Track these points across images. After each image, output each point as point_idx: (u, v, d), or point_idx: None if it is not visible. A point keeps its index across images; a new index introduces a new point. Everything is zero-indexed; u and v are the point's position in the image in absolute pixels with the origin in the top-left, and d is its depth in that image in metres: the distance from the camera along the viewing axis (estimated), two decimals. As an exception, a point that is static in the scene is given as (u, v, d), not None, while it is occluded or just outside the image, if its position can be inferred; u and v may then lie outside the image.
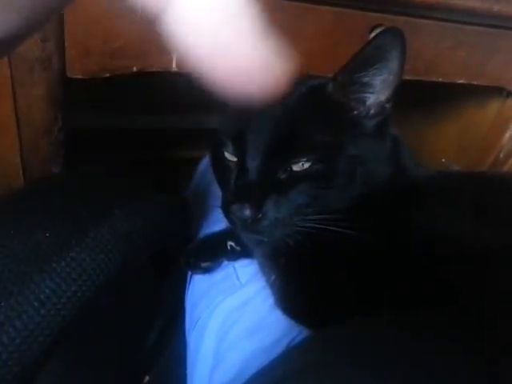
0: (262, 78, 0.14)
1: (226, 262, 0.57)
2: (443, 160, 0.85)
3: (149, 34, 0.46)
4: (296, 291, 0.45)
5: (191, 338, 0.54)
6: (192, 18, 0.12)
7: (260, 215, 0.39)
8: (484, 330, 0.31)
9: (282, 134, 0.39)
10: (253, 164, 0.40)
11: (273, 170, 0.40)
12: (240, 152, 0.41)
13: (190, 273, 0.61)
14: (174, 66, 0.49)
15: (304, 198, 0.40)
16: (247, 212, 0.38)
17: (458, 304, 0.34)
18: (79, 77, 0.47)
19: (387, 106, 0.41)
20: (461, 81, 0.64)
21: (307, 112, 0.41)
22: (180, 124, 1.09)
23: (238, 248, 0.56)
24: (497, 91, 0.72)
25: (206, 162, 0.75)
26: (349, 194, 0.41)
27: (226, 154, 0.43)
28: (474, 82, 0.65)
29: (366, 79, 0.39)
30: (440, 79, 0.62)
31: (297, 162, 0.39)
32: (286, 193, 0.40)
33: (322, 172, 0.40)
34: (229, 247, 0.56)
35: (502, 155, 0.75)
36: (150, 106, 0.98)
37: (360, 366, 0.29)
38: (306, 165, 0.39)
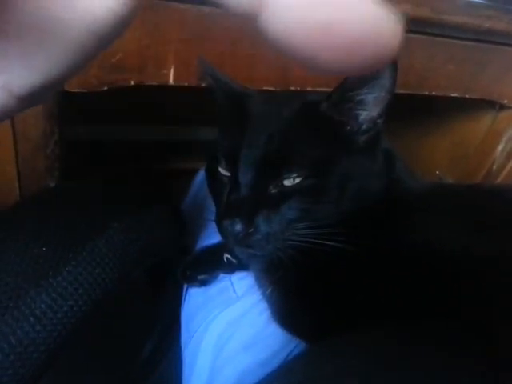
0: (378, 39, 0.12)
1: (222, 275, 0.57)
2: (437, 172, 0.85)
3: (146, 48, 0.46)
4: (292, 304, 0.45)
5: (187, 351, 0.54)
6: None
7: (251, 230, 0.39)
8: (484, 341, 0.31)
9: (274, 148, 0.40)
10: (245, 179, 0.40)
11: (264, 184, 0.40)
12: (233, 167, 0.41)
13: (185, 286, 0.61)
14: (171, 80, 0.50)
15: (295, 213, 0.40)
16: (238, 227, 0.38)
17: (456, 315, 0.34)
18: (77, 90, 0.47)
19: (379, 121, 0.41)
20: (453, 94, 0.64)
21: (300, 128, 0.41)
22: (178, 136, 1.10)
23: (234, 261, 0.56)
24: (489, 104, 0.73)
25: (202, 174, 0.75)
26: (340, 209, 0.41)
27: (220, 169, 0.43)
28: (467, 96, 0.66)
29: (359, 97, 0.39)
30: (432, 93, 0.63)
31: (288, 177, 0.40)
32: (277, 207, 0.40)
33: (313, 187, 0.40)
34: (225, 260, 0.56)
35: (494, 168, 0.76)
36: (148, 117, 0.99)
37: (360, 380, 0.29)
38: (298, 180, 0.40)
